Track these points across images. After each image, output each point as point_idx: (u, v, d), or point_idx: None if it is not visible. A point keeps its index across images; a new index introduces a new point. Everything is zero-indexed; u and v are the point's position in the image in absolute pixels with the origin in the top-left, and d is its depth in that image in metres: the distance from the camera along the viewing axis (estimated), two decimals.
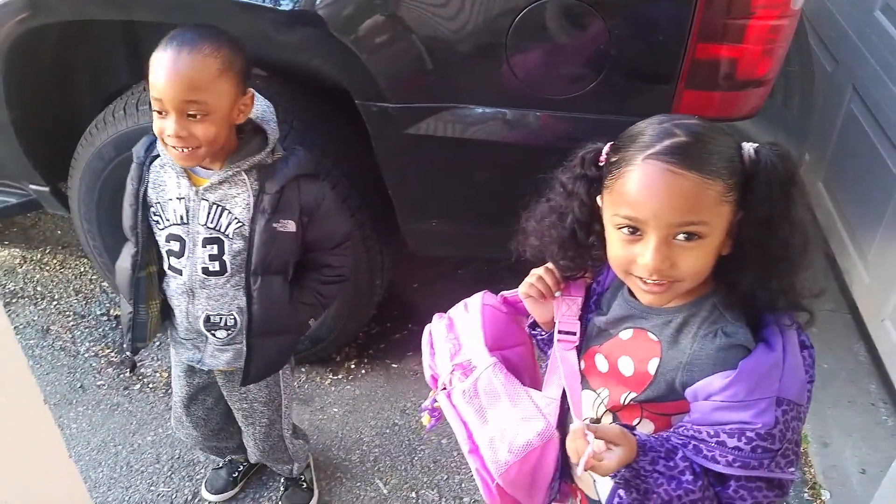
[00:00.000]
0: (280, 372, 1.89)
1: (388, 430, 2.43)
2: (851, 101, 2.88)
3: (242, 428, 1.99)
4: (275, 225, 1.60)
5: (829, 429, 2.40)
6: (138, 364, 2.64)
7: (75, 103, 2.52)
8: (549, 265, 1.25)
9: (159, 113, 1.46)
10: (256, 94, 1.59)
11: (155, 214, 1.64)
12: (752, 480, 1.03)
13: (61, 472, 1.27)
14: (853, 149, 2.86)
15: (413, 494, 2.22)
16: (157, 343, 2.71)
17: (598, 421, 1.20)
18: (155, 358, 2.68)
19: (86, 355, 2.69)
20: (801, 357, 1.06)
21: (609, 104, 1.85)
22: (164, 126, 1.46)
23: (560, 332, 1.25)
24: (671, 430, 1.08)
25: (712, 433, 1.02)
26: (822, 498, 2.21)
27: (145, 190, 1.62)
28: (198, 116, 1.44)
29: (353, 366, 2.66)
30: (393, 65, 1.95)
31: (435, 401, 1.31)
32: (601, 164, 1.10)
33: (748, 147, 1.03)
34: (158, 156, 1.62)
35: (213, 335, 1.75)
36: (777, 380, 1.00)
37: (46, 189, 2.56)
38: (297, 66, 2.16)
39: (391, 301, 2.86)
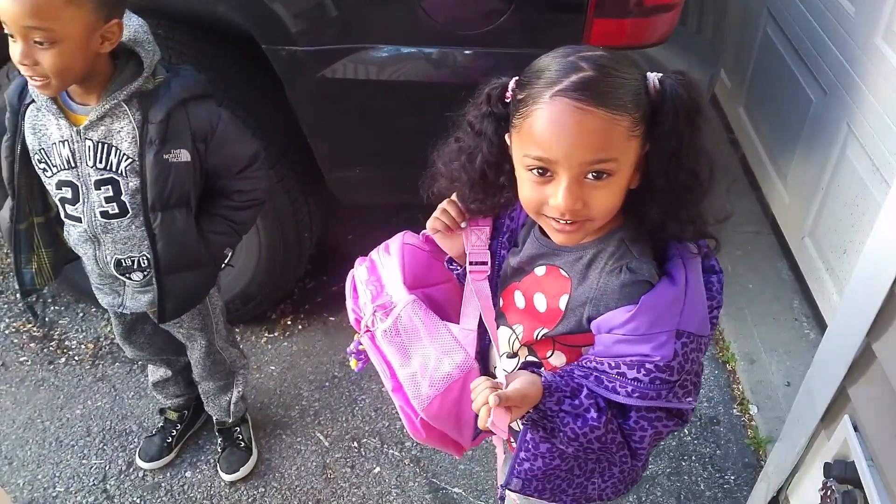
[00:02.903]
0: (206, 298, 1.86)
1: (327, 384, 2.41)
2: (767, 24, 2.91)
3: (185, 343, 1.98)
4: (166, 156, 1.52)
5: (755, 346, 2.48)
6: (45, 321, 2.59)
7: None
8: (453, 197, 1.23)
9: (12, 37, 1.36)
10: (129, 12, 1.49)
11: (41, 162, 1.56)
12: (652, 411, 1.04)
13: None
14: (770, 72, 2.90)
15: (355, 444, 2.22)
16: (81, 314, 2.63)
17: (515, 355, 1.21)
18: (79, 329, 2.59)
19: (6, 332, 2.58)
20: (703, 288, 1.07)
21: (521, 37, 1.82)
22: (13, 51, 1.37)
23: (471, 262, 1.24)
24: (575, 362, 1.09)
25: (613, 365, 1.02)
26: (750, 412, 2.30)
27: (23, 139, 1.54)
28: (44, 44, 1.35)
29: (289, 322, 2.63)
30: (300, 6, 1.87)
31: (360, 343, 1.29)
32: (507, 100, 1.06)
33: (653, 77, 1.00)
34: (34, 101, 1.52)
35: (129, 278, 1.70)
36: (678, 313, 1.01)
37: None
38: (203, 13, 2.06)
39: (326, 254, 2.82)
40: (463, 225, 1.24)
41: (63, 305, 2.68)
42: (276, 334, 2.58)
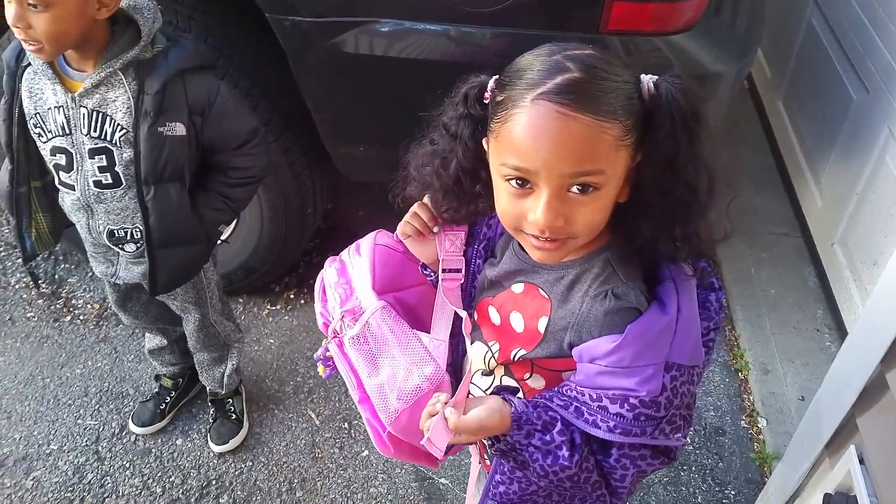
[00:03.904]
0: (201, 272, 1.83)
1: None
2: (812, 14, 2.73)
3: (179, 315, 1.97)
4: (160, 129, 1.49)
5: (771, 355, 2.37)
6: (55, 278, 2.56)
7: None
8: (425, 199, 1.15)
9: None
10: None
11: (36, 127, 1.53)
12: (636, 448, 0.96)
13: None
14: (812, 65, 2.74)
15: (346, 425, 2.19)
16: (90, 274, 2.63)
17: (490, 373, 1.13)
18: (87, 289, 2.59)
19: (16, 287, 2.60)
20: (697, 314, 0.97)
21: (535, 17, 1.71)
22: (7, 13, 1.33)
23: (445, 269, 1.16)
24: (555, 388, 1.01)
25: (595, 397, 0.94)
26: (759, 425, 2.19)
27: (20, 102, 1.51)
28: (38, 7, 1.31)
29: (291, 296, 2.59)
30: None
31: (327, 349, 1.23)
32: (486, 101, 0.96)
33: (647, 80, 0.90)
34: (31, 64, 1.49)
35: (122, 249, 1.68)
36: (667, 344, 0.92)
37: None
38: None
39: (335, 229, 2.77)
40: (436, 230, 1.16)
41: (73, 264, 2.68)
42: (278, 307, 2.56)
